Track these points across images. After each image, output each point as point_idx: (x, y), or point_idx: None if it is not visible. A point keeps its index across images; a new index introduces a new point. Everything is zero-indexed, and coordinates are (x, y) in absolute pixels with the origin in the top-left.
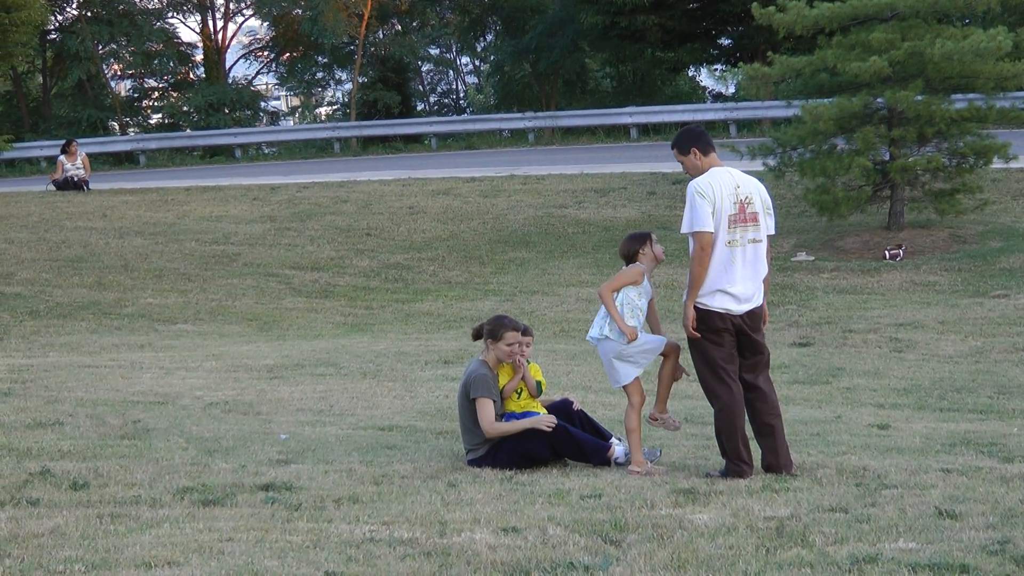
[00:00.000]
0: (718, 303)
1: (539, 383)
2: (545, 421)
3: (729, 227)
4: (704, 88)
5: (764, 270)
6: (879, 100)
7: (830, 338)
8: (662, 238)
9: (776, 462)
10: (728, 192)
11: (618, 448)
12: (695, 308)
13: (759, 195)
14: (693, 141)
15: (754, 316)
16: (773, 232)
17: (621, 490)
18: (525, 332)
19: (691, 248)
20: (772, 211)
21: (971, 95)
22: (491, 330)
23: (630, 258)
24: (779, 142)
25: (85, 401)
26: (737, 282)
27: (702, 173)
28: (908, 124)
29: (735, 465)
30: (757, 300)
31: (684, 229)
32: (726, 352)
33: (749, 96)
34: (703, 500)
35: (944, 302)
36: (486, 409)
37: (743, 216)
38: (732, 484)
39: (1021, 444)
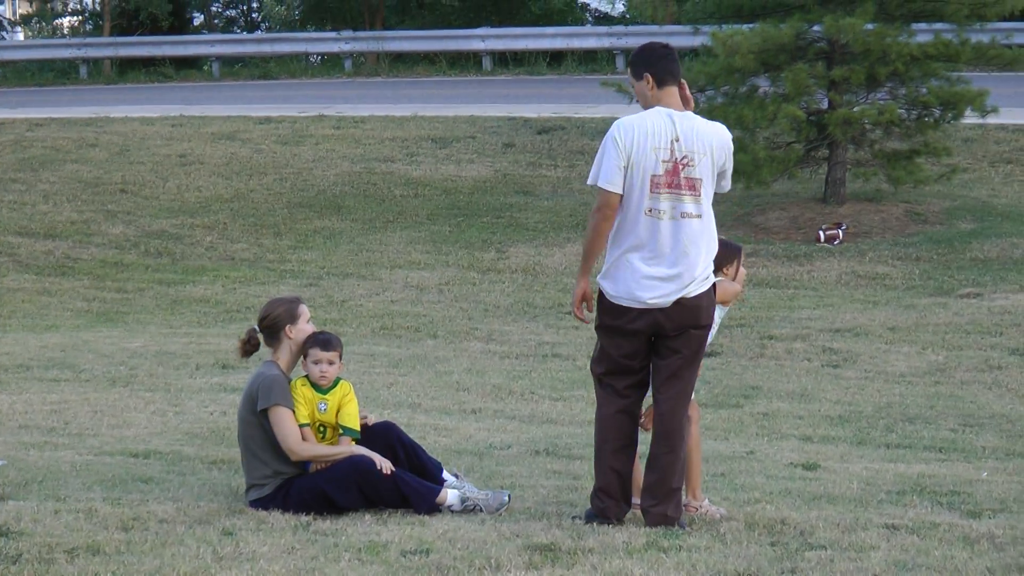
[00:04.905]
0: (623, 290)
1: (353, 430)
2: (385, 461)
3: (651, 190)
4: (583, 6)
5: (701, 254)
6: (816, 28)
7: (743, 346)
8: (525, 206)
9: (651, 506)
10: (658, 144)
11: (452, 493)
12: (600, 293)
13: (711, 153)
14: (648, 64)
15: (683, 309)
16: (726, 190)
17: (456, 544)
18: (327, 345)
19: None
20: (729, 170)
21: (938, 25)
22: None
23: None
24: None
25: None
26: (658, 263)
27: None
28: (854, 61)
29: (598, 500)
30: (685, 286)
31: (589, 180)
32: (622, 359)
33: (643, 18)
34: (566, 560)
35: (896, 302)
36: (286, 421)
37: (675, 180)
38: (606, 540)
39: (992, 494)
